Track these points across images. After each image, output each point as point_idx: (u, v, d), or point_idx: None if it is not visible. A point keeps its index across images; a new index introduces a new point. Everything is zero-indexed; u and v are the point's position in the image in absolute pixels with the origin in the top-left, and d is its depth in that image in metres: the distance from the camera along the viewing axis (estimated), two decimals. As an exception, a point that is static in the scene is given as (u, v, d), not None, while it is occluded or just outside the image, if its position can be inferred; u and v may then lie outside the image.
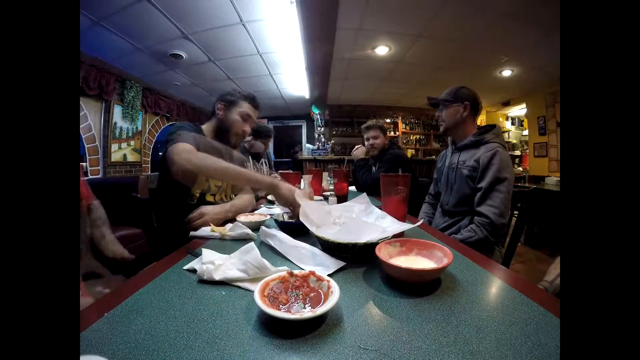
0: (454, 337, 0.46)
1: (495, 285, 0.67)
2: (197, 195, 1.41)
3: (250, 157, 2.88)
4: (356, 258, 0.79)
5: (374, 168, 2.54)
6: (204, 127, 1.56)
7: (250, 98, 1.57)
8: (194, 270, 0.70)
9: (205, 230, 1.06)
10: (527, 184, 5.30)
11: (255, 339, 0.45)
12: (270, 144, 2.98)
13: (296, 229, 1.07)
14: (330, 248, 0.81)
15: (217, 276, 0.65)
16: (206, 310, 0.54)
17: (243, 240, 1.01)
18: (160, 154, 1.33)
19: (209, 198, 1.46)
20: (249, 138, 2.55)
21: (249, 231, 1.04)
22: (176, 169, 1.18)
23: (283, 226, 1.08)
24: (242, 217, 1.21)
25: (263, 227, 0.97)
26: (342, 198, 1.83)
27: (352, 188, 2.60)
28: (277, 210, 1.35)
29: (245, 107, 1.55)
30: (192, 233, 1.06)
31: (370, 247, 0.75)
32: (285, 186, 1.17)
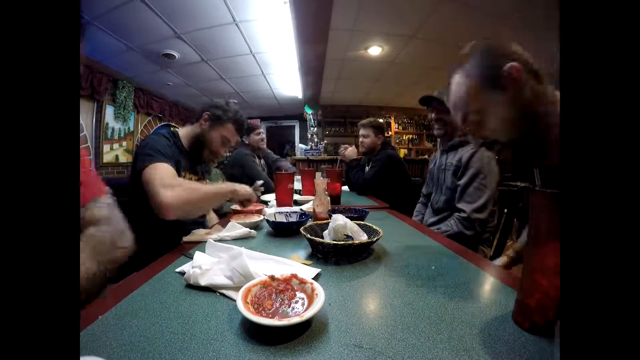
0: (447, 334, 0.46)
1: (488, 283, 0.68)
2: None
3: (255, 156, 2.88)
4: (346, 255, 0.81)
5: (367, 167, 2.54)
6: (181, 131, 1.45)
7: (238, 122, 1.47)
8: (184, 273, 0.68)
9: (197, 233, 1.05)
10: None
11: (251, 339, 0.45)
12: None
13: (288, 229, 1.08)
14: (323, 250, 0.82)
15: (203, 282, 0.63)
16: (201, 312, 0.54)
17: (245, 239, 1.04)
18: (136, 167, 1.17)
19: None
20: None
21: (248, 230, 1.04)
22: (168, 214, 1.04)
23: (275, 226, 1.09)
24: (236, 218, 1.20)
25: (210, 241, 0.84)
26: (335, 198, 1.83)
27: (345, 188, 2.60)
28: (270, 210, 1.35)
29: (230, 129, 1.45)
30: (184, 238, 1.01)
31: (365, 246, 0.82)
32: (241, 187, 1.23)
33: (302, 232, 0.88)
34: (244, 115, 1.51)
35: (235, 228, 1.05)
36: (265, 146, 3.04)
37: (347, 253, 0.81)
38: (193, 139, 1.42)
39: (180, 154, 1.36)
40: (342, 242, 0.79)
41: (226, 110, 1.43)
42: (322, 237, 0.88)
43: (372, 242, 0.84)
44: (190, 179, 1.40)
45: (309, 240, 0.84)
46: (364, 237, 0.86)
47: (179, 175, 1.27)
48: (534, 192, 0.47)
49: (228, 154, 2.20)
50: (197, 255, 0.72)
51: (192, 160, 1.45)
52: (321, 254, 0.83)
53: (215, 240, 0.84)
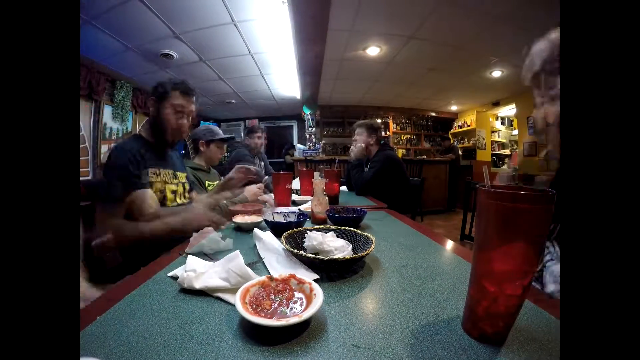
0: (446, 333, 0.46)
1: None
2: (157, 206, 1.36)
3: (254, 157, 2.89)
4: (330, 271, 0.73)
5: (365, 168, 2.55)
6: (143, 132, 1.47)
7: (180, 86, 1.40)
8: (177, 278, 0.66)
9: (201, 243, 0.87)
10: (516, 182, 5.39)
11: (250, 340, 0.45)
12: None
13: (286, 229, 1.08)
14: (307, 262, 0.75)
15: (198, 285, 0.61)
16: (199, 312, 0.54)
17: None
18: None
19: (171, 205, 1.43)
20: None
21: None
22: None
23: (273, 226, 1.08)
24: (238, 218, 1.20)
25: (256, 229, 0.95)
26: (333, 198, 1.83)
27: (344, 188, 2.60)
28: (268, 210, 1.35)
29: (177, 97, 1.39)
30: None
31: (349, 262, 0.72)
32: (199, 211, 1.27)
33: (284, 242, 0.82)
34: (186, 80, 1.45)
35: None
36: (263, 149, 3.04)
37: (327, 269, 0.73)
38: (151, 127, 1.43)
39: (152, 153, 1.39)
40: (321, 258, 0.71)
41: (164, 84, 1.40)
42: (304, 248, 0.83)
43: (355, 260, 0.73)
44: (167, 173, 1.44)
45: (290, 252, 0.77)
46: (341, 254, 0.76)
47: (139, 176, 1.29)
48: (479, 190, 0.43)
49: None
50: (190, 259, 0.71)
51: (163, 152, 1.47)
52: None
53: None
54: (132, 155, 1.28)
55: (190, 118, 1.46)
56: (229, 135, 2.41)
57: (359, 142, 2.54)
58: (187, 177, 1.62)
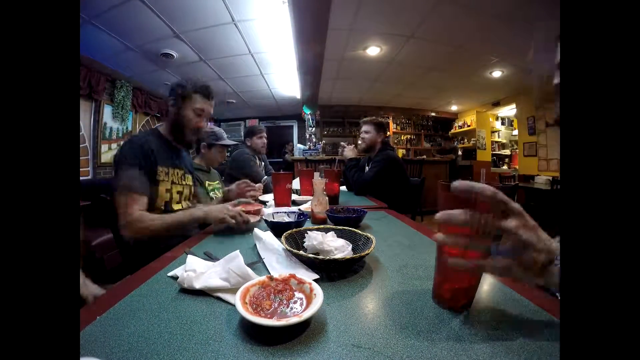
0: (446, 333, 0.46)
1: (486, 282, 0.68)
2: (162, 207, 1.36)
3: (255, 157, 2.88)
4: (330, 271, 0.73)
5: (366, 168, 2.54)
6: (161, 128, 1.50)
7: (202, 90, 1.46)
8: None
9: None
10: (516, 182, 5.40)
11: (250, 340, 0.45)
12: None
13: (286, 229, 1.08)
14: (306, 262, 0.75)
15: (198, 285, 0.61)
16: (199, 312, 0.54)
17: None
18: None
19: (176, 207, 1.42)
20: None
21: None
22: (129, 236, 1.19)
23: (273, 226, 1.08)
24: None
25: (256, 229, 0.95)
26: (333, 198, 1.82)
27: (344, 188, 2.60)
28: (268, 210, 1.35)
29: (197, 100, 1.44)
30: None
31: (349, 262, 0.72)
32: (215, 209, 1.17)
33: (284, 242, 0.81)
34: (205, 80, 1.50)
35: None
36: (265, 150, 3.03)
37: (327, 269, 0.73)
38: (171, 127, 1.46)
39: (167, 151, 1.41)
40: (321, 258, 0.71)
41: (185, 86, 1.43)
42: (304, 247, 0.83)
43: (355, 260, 0.73)
44: (176, 173, 1.43)
45: (290, 252, 0.77)
46: (342, 254, 0.77)
47: (155, 176, 1.31)
48: (439, 184, 0.52)
49: (210, 129, 2.22)
50: (190, 259, 0.71)
51: (178, 151, 1.50)
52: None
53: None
54: (141, 152, 1.28)
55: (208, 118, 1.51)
56: (233, 142, 2.40)
57: (367, 140, 2.51)
58: (193, 180, 1.62)
